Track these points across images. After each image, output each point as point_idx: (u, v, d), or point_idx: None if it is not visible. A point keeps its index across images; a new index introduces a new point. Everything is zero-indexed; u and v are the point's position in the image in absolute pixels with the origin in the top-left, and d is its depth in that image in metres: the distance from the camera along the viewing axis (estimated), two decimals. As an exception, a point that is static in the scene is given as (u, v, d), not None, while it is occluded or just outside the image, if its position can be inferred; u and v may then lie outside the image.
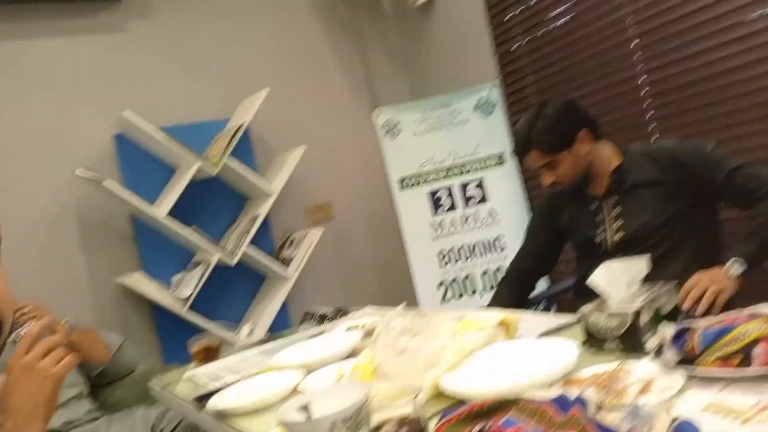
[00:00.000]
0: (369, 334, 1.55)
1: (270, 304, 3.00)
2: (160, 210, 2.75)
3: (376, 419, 0.90)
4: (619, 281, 1.22)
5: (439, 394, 1.09)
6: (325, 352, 1.52)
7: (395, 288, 3.05)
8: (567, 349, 1.11)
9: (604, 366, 1.03)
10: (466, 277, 2.96)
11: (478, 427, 0.84)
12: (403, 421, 0.88)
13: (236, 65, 3.25)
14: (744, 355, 0.91)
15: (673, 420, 0.75)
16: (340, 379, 1.26)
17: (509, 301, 1.90)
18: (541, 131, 1.76)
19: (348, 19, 3.56)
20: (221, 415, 1.33)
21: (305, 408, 1.00)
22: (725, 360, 0.92)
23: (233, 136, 2.88)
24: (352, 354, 1.45)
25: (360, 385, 1.07)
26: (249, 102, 3.04)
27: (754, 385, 0.87)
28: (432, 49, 3.46)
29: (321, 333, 1.80)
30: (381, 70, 3.62)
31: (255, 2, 3.33)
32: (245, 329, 2.87)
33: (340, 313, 2.04)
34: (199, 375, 1.63)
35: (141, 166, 2.93)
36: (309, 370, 1.41)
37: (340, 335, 1.68)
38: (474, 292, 2.94)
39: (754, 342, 0.91)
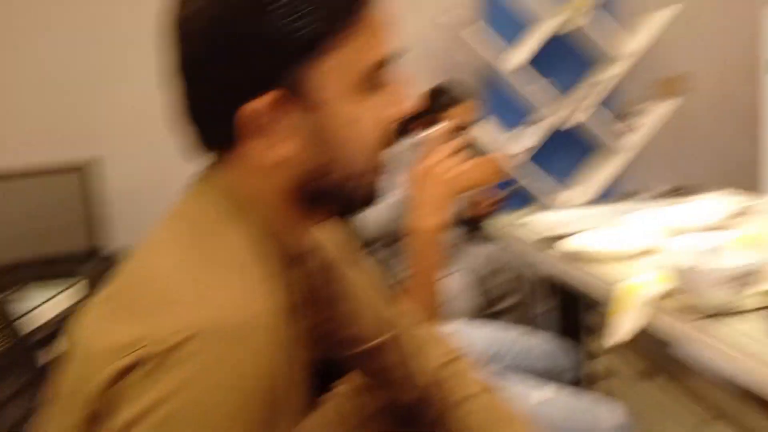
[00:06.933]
0: (743, 212, 1.49)
1: (601, 172, 2.95)
2: (513, 61, 2.78)
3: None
4: None
5: None
6: (689, 219, 1.49)
7: (739, 181, 2.55)
8: None
9: None
10: None
11: None
12: None
13: None
14: None
15: None
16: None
17: None
18: None
19: None
20: (574, 258, 1.40)
21: (701, 257, 1.00)
22: None
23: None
24: (719, 228, 1.41)
25: (752, 250, 1.04)
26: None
27: None
28: None
29: (678, 203, 1.77)
30: None
31: None
32: (573, 191, 2.91)
33: (681, 192, 2.00)
34: (537, 221, 1.73)
35: (499, 17, 2.92)
36: (669, 233, 1.39)
37: (704, 207, 1.59)
38: None
39: None
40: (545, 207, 2.46)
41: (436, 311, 1.09)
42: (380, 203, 1.87)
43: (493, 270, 2.23)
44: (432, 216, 1.08)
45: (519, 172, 2.87)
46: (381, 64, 0.58)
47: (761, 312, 0.93)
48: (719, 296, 0.94)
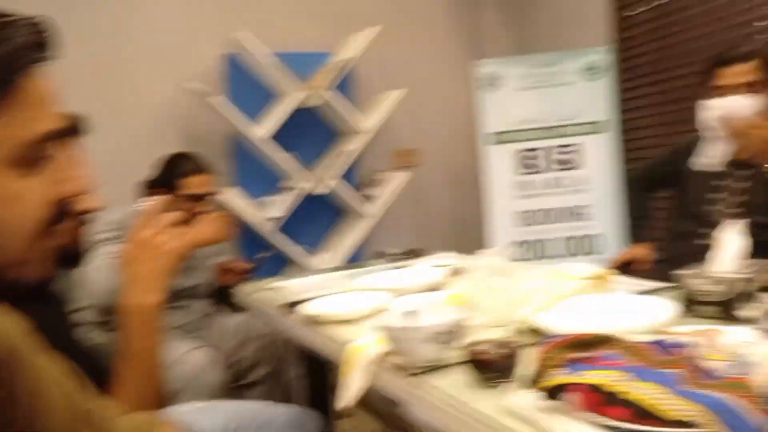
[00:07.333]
0: (456, 272, 1.61)
1: (348, 237, 3.11)
2: (260, 132, 2.85)
3: (472, 338, 1.01)
4: (729, 250, 1.28)
5: (532, 330, 1.15)
6: (410, 281, 1.61)
7: (467, 241, 2.93)
8: (661, 307, 1.15)
9: (700, 327, 1.06)
10: (543, 241, 2.99)
11: (582, 355, 0.86)
12: (499, 344, 0.97)
13: (345, 0, 3.32)
14: None
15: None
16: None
17: (643, 199, 2.26)
18: None
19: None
20: (310, 322, 1.44)
21: (407, 318, 1.07)
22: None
23: (337, 70, 2.95)
24: (436, 288, 1.53)
25: (455, 308, 1.14)
26: (357, 38, 3.09)
27: None
28: (544, 5, 3.50)
29: (403, 266, 1.89)
30: (488, 20, 3.68)
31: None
32: (323, 256, 3.02)
33: (413, 254, 2.13)
34: (281, 287, 1.74)
35: (245, 87, 3.00)
36: (394, 294, 1.49)
37: (425, 269, 1.74)
38: (552, 257, 2.95)
39: None
40: (296, 273, 2.50)
41: (156, 395, 1.02)
42: (103, 275, 1.73)
43: (243, 340, 2.18)
44: (149, 292, 1.01)
45: (269, 239, 2.89)
46: (45, 139, 0.53)
47: (463, 365, 1.02)
48: (426, 353, 1.03)
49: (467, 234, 3.29)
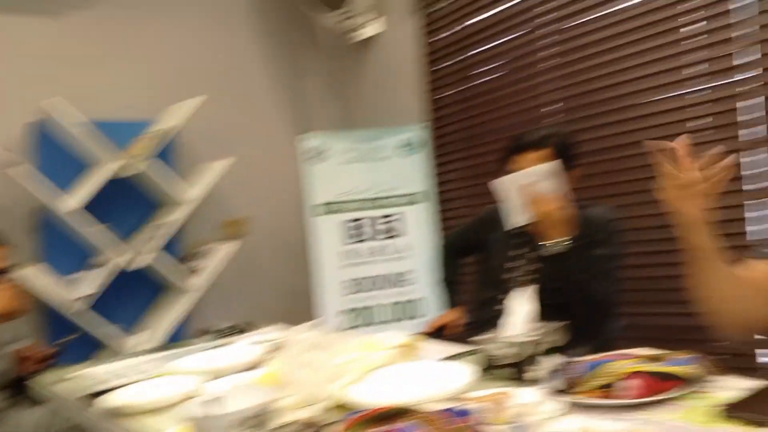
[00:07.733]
0: (277, 348, 1.58)
1: (169, 314, 2.95)
2: (70, 204, 2.66)
3: (279, 421, 1.02)
4: (519, 315, 1.40)
5: (340, 405, 1.18)
6: (228, 361, 1.56)
7: (299, 312, 2.88)
8: (462, 373, 1.25)
9: (493, 390, 1.16)
10: (371, 308, 3.09)
11: (380, 429, 0.90)
12: (306, 423, 1.00)
13: (167, 69, 3.28)
14: (614, 387, 1.10)
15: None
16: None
17: (454, 265, 2.36)
18: (567, 136, 1.94)
19: (286, 43, 3.74)
20: (114, 414, 1.33)
21: (210, 405, 1.05)
22: (598, 390, 1.11)
23: (158, 139, 2.87)
24: (255, 366, 1.50)
25: (265, 389, 1.13)
26: (179, 107, 3.03)
27: (623, 413, 1.05)
28: (365, 85, 3.69)
29: (223, 344, 1.84)
30: (313, 96, 3.79)
31: (195, 11, 3.41)
32: (140, 336, 2.82)
33: (239, 329, 2.08)
34: (86, 375, 1.62)
35: (55, 157, 2.82)
36: (209, 377, 1.44)
37: (244, 347, 1.70)
38: (380, 322, 3.05)
39: (623, 377, 1.10)
40: (109, 357, 2.32)
41: None
42: None
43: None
44: None
45: (78, 319, 2.68)
46: None
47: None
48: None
49: (298, 304, 3.28)
